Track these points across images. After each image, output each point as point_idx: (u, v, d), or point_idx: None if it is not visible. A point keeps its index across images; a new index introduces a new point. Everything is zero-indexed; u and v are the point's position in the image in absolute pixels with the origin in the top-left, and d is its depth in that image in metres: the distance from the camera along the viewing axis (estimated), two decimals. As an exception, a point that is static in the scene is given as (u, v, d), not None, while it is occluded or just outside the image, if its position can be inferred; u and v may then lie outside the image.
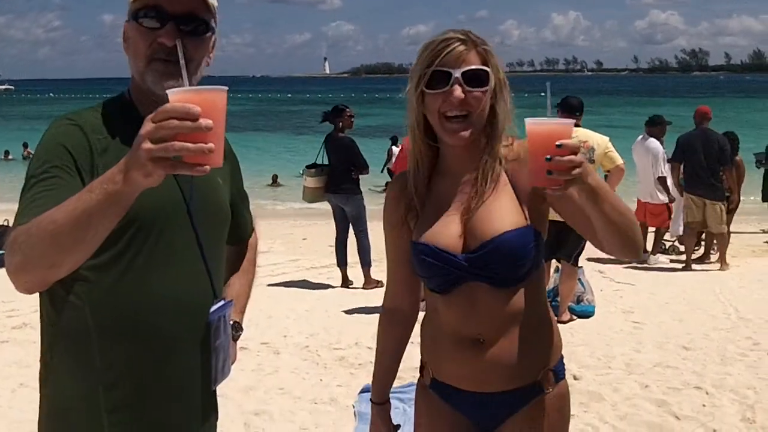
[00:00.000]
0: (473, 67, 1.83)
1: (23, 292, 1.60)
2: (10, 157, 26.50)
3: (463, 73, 1.82)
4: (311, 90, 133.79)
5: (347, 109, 8.58)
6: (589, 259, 9.66)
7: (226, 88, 1.36)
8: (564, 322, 6.63)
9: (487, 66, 1.85)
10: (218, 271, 1.92)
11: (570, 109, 6.75)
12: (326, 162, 8.63)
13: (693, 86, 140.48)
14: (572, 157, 1.53)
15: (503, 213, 1.88)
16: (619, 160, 6.60)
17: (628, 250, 1.78)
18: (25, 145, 25.68)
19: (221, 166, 1.37)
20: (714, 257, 9.91)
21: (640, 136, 10.12)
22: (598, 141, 6.60)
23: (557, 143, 1.52)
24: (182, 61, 1.56)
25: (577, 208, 1.76)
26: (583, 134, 6.56)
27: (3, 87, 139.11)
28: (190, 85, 1.74)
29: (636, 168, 10.18)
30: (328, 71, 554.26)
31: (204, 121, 1.27)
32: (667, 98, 77.33)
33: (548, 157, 1.53)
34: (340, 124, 8.48)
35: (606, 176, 6.66)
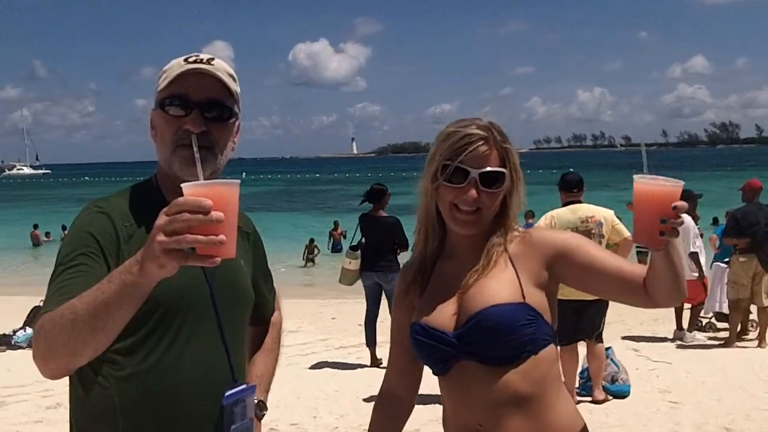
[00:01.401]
0: (491, 169, 1.86)
1: (49, 378, 1.65)
2: (50, 238, 27.11)
3: (481, 174, 1.85)
4: (340, 170, 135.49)
5: (387, 191, 8.73)
6: (623, 338, 9.52)
7: (238, 181, 1.41)
8: (599, 402, 6.51)
9: (504, 167, 1.89)
10: (238, 353, 1.93)
11: (568, 186, 6.73)
12: (360, 241, 8.75)
13: (722, 158, 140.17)
14: (679, 223, 1.56)
15: (497, 288, 1.86)
16: (627, 233, 6.55)
17: (682, 294, 1.78)
18: (64, 228, 26.26)
19: (234, 257, 1.40)
20: (753, 334, 9.69)
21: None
22: (605, 215, 6.56)
23: (673, 205, 1.53)
24: (197, 155, 1.60)
25: (612, 266, 1.81)
26: (588, 210, 6.54)
27: (41, 171, 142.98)
28: (214, 169, 1.82)
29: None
30: (355, 151, 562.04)
31: (215, 214, 1.31)
32: (696, 171, 77.09)
33: (663, 219, 1.54)
34: (382, 203, 8.64)
35: (615, 250, 6.61)
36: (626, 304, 1.89)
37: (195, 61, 1.81)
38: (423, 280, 2.01)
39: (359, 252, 8.63)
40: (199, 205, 1.31)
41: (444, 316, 1.90)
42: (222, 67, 1.83)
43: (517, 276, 1.88)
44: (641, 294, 1.79)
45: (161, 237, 1.33)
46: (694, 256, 9.63)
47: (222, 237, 1.33)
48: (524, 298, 1.85)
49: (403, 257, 8.97)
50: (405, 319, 2.02)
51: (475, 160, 1.85)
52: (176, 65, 1.81)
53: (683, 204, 1.54)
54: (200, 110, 1.78)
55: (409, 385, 2.10)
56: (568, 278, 1.91)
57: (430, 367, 1.96)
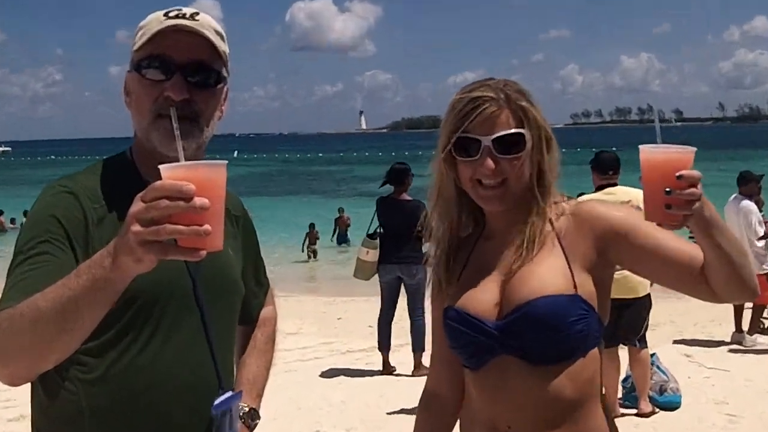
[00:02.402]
0: (505, 132, 1.86)
1: (8, 385, 1.64)
2: (15, 225, 27.17)
3: (493, 140, 1.85)
4: (346, 148, 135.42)
5: (410, 170, 8.63)
6: (674, 342, 9.52)
7: (225, 162, 1.39)
8: (645, 415, 6.53)
9: (522, 127, 1.88)
10: (225, 354, 1.95)
11: (602, 166, 6.69)
12: (376, 229, 8.70)
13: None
14: (693, 190, 1.54)
15: (545, 276, 1.87)
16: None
17: (746, 288, 1.75)
18: (26, 214, 26.16)
19: (221, 249, 1.38)
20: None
21: (733, 196, 10.03)
22: (641, 198, 6.49)
23: (677, 174, 1.53)
24: (177, 132, 1.53)
25: (674, 250, 1.79)
26: (624, 193, 6.49)
27: (0, 149, 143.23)
28: (200, 143, 1.81)
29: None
30: (364, 126, 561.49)
31: (199, 201, 1.28)
32: (758, 149, 76.51)
33: (667, 190, 1.53)
34: (404, 186, 8.55)
35: None
36: (690, 296, 1.88)
37: (177, 16, 1.78)
38: (460, 262, 2.03)
39: (378, 241, 8.54)
40: (179, 190, 1.28)
41: (485, 303, 1.91)
42: (207, 23, 1.81)
43: (567, 261, 1.89)
44: (705, 284, 1.78)
45: (136, 227, 1.30)
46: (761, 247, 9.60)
47: (207, 227, 1.30)
48: (576, 288, 1.86)
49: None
50: (440, 307, 2.05)
51: (484, 125, 1.85)
52: (155, 20, 1.79)
53: (691, 173, 1.52)
54: (182, 74, 1.76)
55: (455, 383, 2.10)
56: (625, 260, 1.91)
57: (463, 359, 1.99)
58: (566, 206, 1.96)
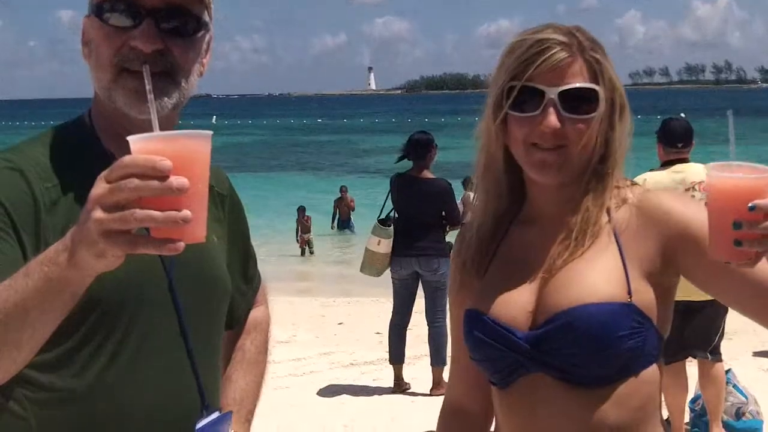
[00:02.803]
0: (577, 85, 1.84)
1: None
2: None
3: (561, 94, 1.83)
4: (352, 113, 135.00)
5: (434, 141, 8.59)
6: (755, 354, 9.50)
7: (210, 132, 1.37)
8: (720, 446, 6.52)
9: (597, 83, 1.87)
10: (209, 368, 1.95)
11: (670, 137, 6.65)
12: (389, 214, 8.71)
13: None
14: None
15: (594, 279, 1.85)
16: None
17: None
18: None
19: (203, 240, 1.36)
20: None
21: None
22: None
23: (750, 205, 1.50)
24: (150, 95, 1.50)
25: (752, 282, 1.76)
26: (696, 172, 6.43)
27: None
28: (177, 102, 1.80)
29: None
30: (374, 87, 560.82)
31: (176, 180, 1.25)
32: None
33: (737, 222, 1.52)
34: (427, 160, 8.51)
35: None
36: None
37: None
38: (488, 252, 2.02)
39: (392, 228, 8.51)
40: (153, 166, 1.25)
41: (516, 307, 1.90)
42: None
43: (623, 262, 1.87)
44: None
45: (99, 213, 1.27)
46: None
47: (186, 212, 1.27)
48: (630, 295, 1.84)
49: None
50: (461, 308, 2.04)
51: (552, 74, 1.83)
52: None
53: (766, 203, 1.49)
54: (153, 19, 1.74)
55: (481, 396, 2.11)
56: (696, 275, 1.89)
57: (488, 375, 1.99)
58: (630, 194, 1.94)
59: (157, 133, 1.36)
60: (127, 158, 1.28)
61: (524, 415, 1.91)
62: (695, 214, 1.84)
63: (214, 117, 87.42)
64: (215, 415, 1.90)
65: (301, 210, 21.20)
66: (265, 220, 22.43)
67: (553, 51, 1.82)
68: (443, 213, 8.41)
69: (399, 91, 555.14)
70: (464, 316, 1.98)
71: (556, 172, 1.87)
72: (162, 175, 1.25)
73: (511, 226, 2.02)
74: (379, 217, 8.77)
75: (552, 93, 1.82)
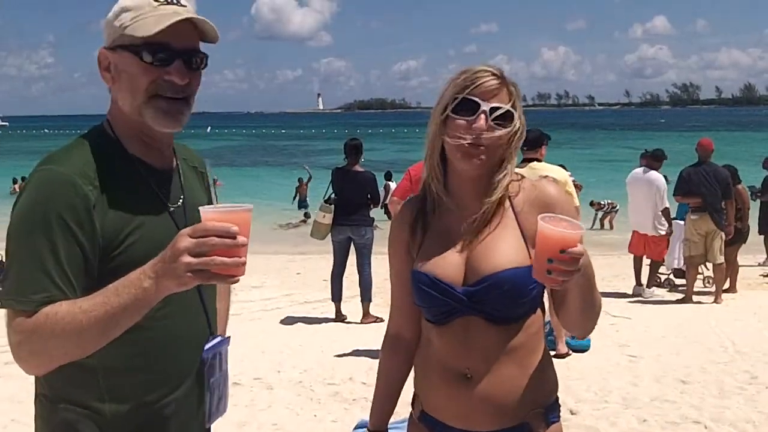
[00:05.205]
0: (502, 105, 1.85)
1: (29, 373, 1.63)
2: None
3: (491, 108, 1.84)
4: (306, 125, 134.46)
5: (362, 144, 8.77)
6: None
7: (251, 206, 1.48)
8: (561, 356, 6.58)
9: (514, 109, 1.87)
10: (213, 305, 1.91)
11: (526, 143, 6.61)
12: (330, 196, 8.73)
13: (685, 119, 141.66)
14: (572, 267, 1.61)
15: (506, 250, 1.88)
16: (577, 201, 6.59)
17: (586, 332, 2.02)
18: (15, 181, 24.03)
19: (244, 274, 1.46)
20: (710, 289, 9.89)
21: (639, 169, 10.12)
22: (557, 176, 6.37)
23: (560, 250, 1.59)
24: (213, 188, 1.64)
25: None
26: (543, 169, 6.44)
27: None
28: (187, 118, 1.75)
29: (631, 200, 10.19)
30: (321, 107, 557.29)
31: (241, 239, 1.40)
32: (659, 131, 77.90)
33: (550, 259, 1.60)
34: (357, 158, 8.64)
35: None
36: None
37: (169, 2, 1.68)
38: (425, 224, 1.99)
39: (333, 206, 8.56)
40: (227, 230, 1.39)
41: (451, 268, 1.90)
42: (192, 8, 1.73)
43: (523, 235, 1.89)
44: (561, 316, 1.96)
45: (188, 258, 1.39)
46: (665, 212, 9.77)
47: (245, 259, 1.42)
48: (531, 259, 1.85)
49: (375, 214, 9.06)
50: (404, 263, 2.02)
51: (486, 93, 1.85)
52: (146, 4, 1.67)
53: (574, 251, 1.59)
54: (182, 59, 1.67)
55: (413, 327, 2.08)
56: None
57: (428, 315, 1.97)
58: (524, 185, 1.96)
59: (224, 207, 1.47)
60: (208, 224, 1.42)
61: (455, 341, 1.91)
62: (564, 202, 1.94)
63: (209, 127, 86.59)
64: (218, 338, 1.89)
65: (302, 181, 20.78)
66: (248, 198, 22.15)
67: (490, 78, 1.85)
68: (369, 195, 8.54)
69: (339, 110, 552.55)
70: (412, 274, 1.95)
71: (479, 165, 1.87)
72: (233, 236, 1.40)
73: (442, 204, 1.99)
74: (324, 198, 8.79)
75: (485, 106, 1.84)
